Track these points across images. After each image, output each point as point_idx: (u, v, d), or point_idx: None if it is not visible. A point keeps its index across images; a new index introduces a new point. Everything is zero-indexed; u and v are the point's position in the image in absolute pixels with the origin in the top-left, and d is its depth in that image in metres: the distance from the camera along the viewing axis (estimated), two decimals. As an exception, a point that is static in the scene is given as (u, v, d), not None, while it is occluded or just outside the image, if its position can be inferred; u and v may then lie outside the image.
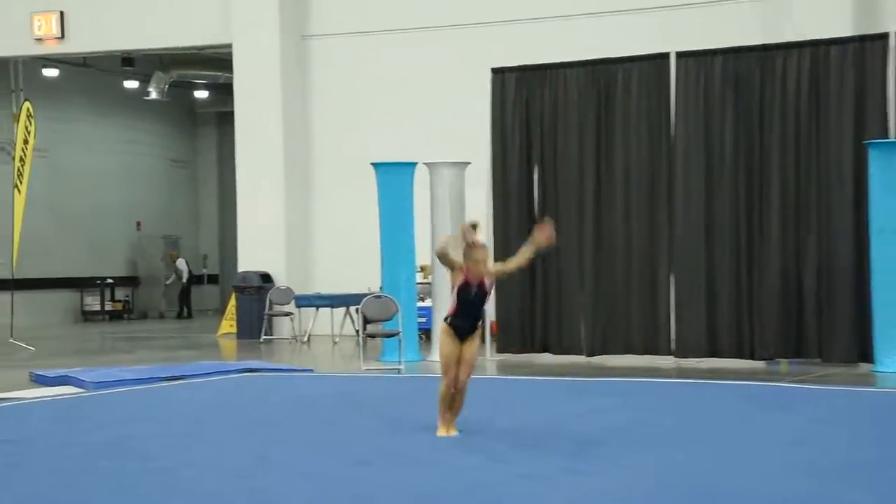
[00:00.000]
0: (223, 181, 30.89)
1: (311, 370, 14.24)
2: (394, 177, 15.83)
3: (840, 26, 16.42)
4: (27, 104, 19.69)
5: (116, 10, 22.49)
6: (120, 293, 28.78)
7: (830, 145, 13.96)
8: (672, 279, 14.58)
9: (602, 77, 15.11)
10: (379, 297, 14.77)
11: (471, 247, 8.08)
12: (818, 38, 14.43)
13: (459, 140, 18.66)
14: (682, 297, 14.50)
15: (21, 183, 19.20)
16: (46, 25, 22.80)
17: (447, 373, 8.26)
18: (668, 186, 14.70)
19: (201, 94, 30.28)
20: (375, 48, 20.95)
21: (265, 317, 20.18)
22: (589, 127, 15.13)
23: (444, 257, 8.19)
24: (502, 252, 15.07)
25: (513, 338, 15.49)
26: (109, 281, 28.29)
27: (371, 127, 20.77)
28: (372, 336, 14.98)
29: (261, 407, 10.38)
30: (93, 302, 28.03)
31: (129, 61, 26.45)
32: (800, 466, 7.06)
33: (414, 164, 16.05)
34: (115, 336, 23.04)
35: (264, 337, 20.00)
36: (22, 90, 25.90)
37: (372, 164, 16.22)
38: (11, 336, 18.96)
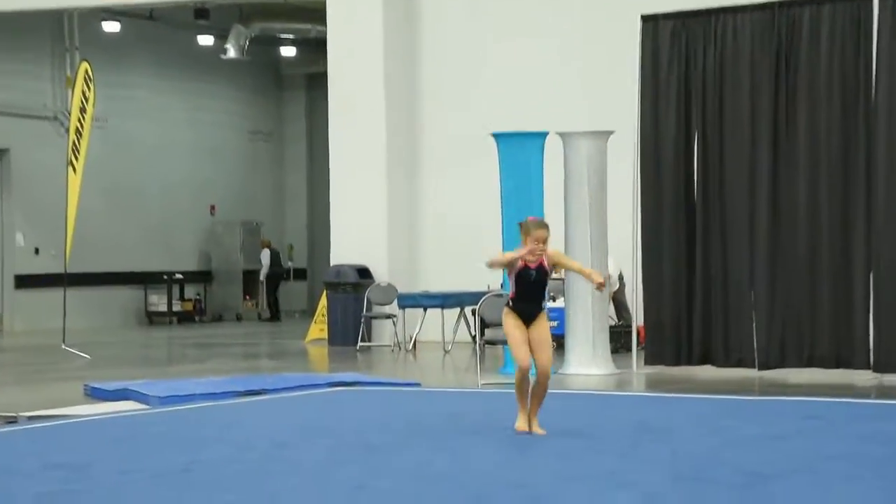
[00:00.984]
0: (313, 157, 31.14)
1: (417, 384, 14.37)
2: (520, 150, 15.89)
3: None
4: (85, 64, 19.88)
5: (187, -49, 22.84)
6: (190, 291, 29.19)
7: None
8: (871, 275, 14.35)
9: (783, 23, 14.93)
10: (500, 296, 14.65)
11: (532, 225, 9.32)
12: None
13: (601, 104, 18.62)
14: (884, 298, 14.26)
15: (77, 160, 19.23)
16: (106, -30, 23.19)
17: (518, 355, 9.47)
18: (866, 159, 14.46)
19: (288, 52, 30.57)
20: (498, -6, 20.94)
21: (362, 319, 20.27)
22: (765, 86, 14.96)
23: (498, 265, 9.64)
24: (655, 249, 14.86)
25: (665, 347, 15.47)
26: (178, 276, 28.71)
27: (492, 92, 20.74)
28: (491, 343, 14.93)
29: (357, 429, 10.41)
30: (158, 301, 28.45)
31: (202, 13, 26.66)
32: None
33: (544, 134, 16.08)
34: (183, 342, 23.38)
35: (361, 344, 20.09)
36: (77, 48, 26.33)
37: (493, 134, 16.28)
38: (64, 342, 19.25)
